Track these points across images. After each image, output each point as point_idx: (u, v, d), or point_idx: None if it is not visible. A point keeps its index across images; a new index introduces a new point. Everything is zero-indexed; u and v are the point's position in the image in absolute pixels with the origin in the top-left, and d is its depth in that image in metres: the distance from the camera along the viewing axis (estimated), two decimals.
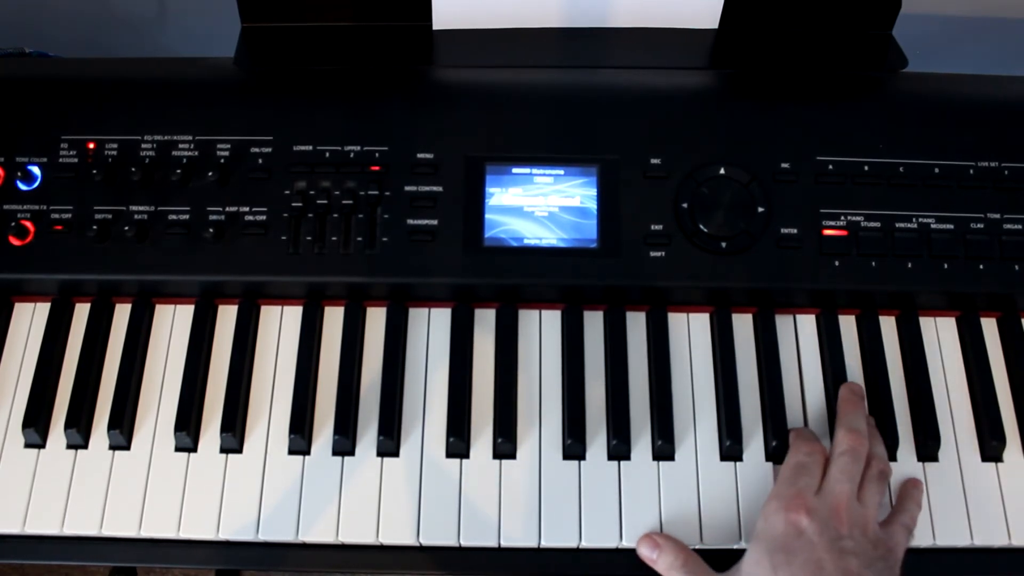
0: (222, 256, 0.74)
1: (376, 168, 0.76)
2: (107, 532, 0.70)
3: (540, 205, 0.76)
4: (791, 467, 0.68)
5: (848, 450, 0.68)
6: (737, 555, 0.68)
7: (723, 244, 0.74)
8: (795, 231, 0.75)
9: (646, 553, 0.68)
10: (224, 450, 0.72)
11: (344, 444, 0.71)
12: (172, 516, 0.70)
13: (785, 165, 0.77)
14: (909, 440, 0.73)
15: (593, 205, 0.75)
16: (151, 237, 0.75)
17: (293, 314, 0.77)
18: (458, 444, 0.71)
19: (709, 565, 0.67)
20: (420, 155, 0.76)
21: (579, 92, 0.81)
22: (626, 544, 0.69)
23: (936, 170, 0.77)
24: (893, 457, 0.72)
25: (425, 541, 0.69)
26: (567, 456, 0.72)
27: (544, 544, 0.69)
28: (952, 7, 0.97)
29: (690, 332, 0.77)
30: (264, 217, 0.75)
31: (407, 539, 0.69)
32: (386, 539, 0.69)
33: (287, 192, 0.76)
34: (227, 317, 0.77)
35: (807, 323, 0.77)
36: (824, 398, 0.75)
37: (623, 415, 0.72)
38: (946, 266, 0.75)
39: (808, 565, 0.62)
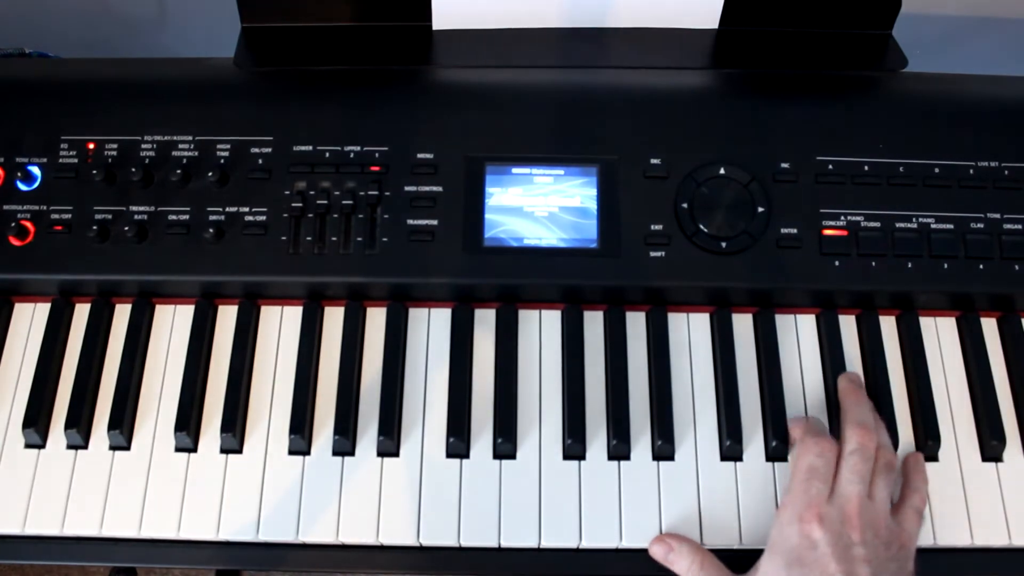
0: (222, 256, 0.74)
1: (376, 168, 0.76)
2: (107, 532, 0.70)
3: (540, 205, 0.76)
4: (803, 471, 0.67)
5: (858, 448, 0.67)
6: (738, 555, 0.68)
7: (723, 244, 0.74)
8: (795, 231, 0.75)
9: (660, 555, 0.68)
10: (224, 450, 0.72)
11: (344, 444, 0.71)
12: (172, 516, 0.70)
13: (785, 165, 0.77)
14: (909, 440, 0.73)
15: (593, 205, 0.75)
16: (151, 237, 0.75)
17: (293, 314, 0.77)
18: (458, 444, 0.71)
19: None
20: (420, 155, 0.76)
21: (579, 92, 0.81)
22: (626, 544, 0.69)
23: (936, 170, 0.77)
24: None
25: (425, 541, 0.69)
26: (567, 456, 0.72)
27: (544, 544, 0.69)
28: (952, 7, 0.97)
29: (690, 332, 0.77)
30: (264, 217, 0.75)
31: (407, 539, 0.69)
32: (386, 539, 0.69)
33: (287, 192, 0.76)
34: (227, 317, 0.77)
35: (807, 323, 0.77)
36: (824, 398, 0.75)
37: (623, 415, 0.72)
38: (946, 266, 0.75)
39: None
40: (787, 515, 0.66)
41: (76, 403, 0.73)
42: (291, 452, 0.72)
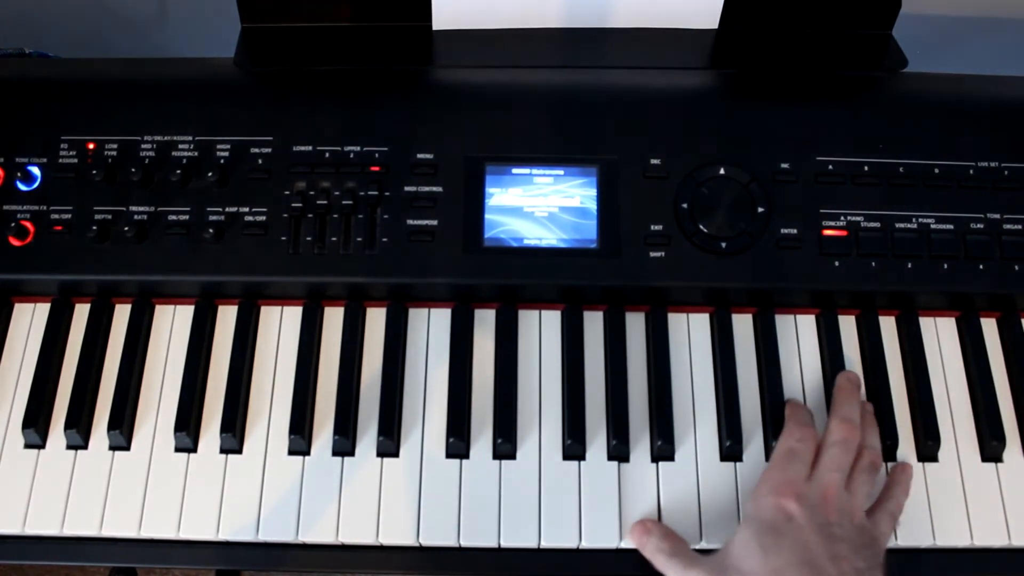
0: (222, 256, 0.74)
1: (376, 168, 0.76)
2: (107, 532, 0.70)
3: (540, 205, 0.76)
4: (783, 453, 0.68)
5: (840, 440, 0.68)
6: None
7: (723, 244, 0.74)
8: (795, 231, 0.75)
9: (636, 538, 0.69)
10: (224, 450, 0.72)
11: (344, 444, 0.71)
12: (172, 516, 0.70)
13: (785, 165, 0.77)
14: (909, 440, 0.73)
15: (593, 205, 0.75)
16: (151, 237, 0.75)
17: (293, 314, 0.77)
18: (458, 444, 0.71)
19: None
20: (420, 155, 0.76)
21: (579, 92, 0.81)
22: (626, 544, 0.69)
23: (936, 170, 0.77)
24: (892, 457, 0.72)
25: (425, 541, 0.69)
26: (567, 456, 0.72)
27: (544, 544, 0.69)
28: (952, 7, 0.97)
29: (690, 332, 0.77)
30: (264, 217, 0.75)
31: (407, 539, 0.69)
32: (386, 539, 0.69)
33: (287, 192, 0.76)
34: (227, 317, 0.77)
35: (807, 323, 0.77)
36: (824, 398, 0.75)
37: (623, 415, 0.72)
38: (946, 266, 0.75)
39: (796, 548, 0.62)
40: (763, 489, 0.66)
41: (76, 403, 0.73)
42: (291, 452, 0.72)
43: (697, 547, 0.69)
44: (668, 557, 0.66)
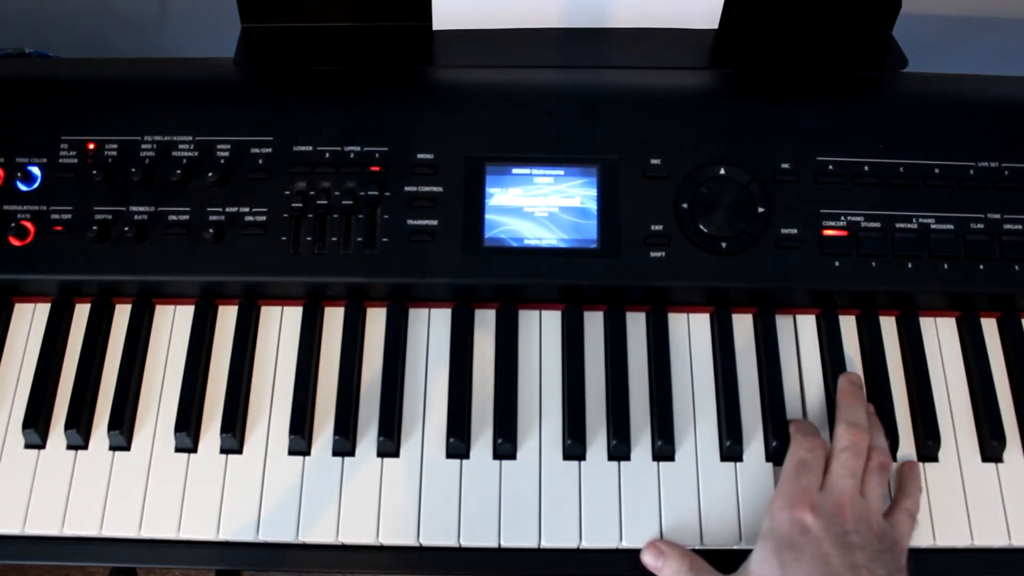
0: (222, 256, 0.74)
1: (376, 168, 0.76)
2: (107, 532, 0.70)
3: (540, 205, 0.76)
4: (793, 464, 0.68)
5: (849, 445, 0.68)
6: (738, 555, 0.68)
7: (723, 244, 0.74)
8: (795, 231, 0.75)
9: (651, 562, 0.68)
10: (224, 451, 0.72)
11: (344, 445, 0.71)
12: (172, 516, 0.70)
13: (785, 165, 0.77)
14: (909, 440, 0.73)
15: (593, 205, 0.75)
16: (151, 237, 0.75)
17: (293, 314, 0.77)
18: (458, 444, 0.71)
19: (713, 567, 0.67)
20: (420, 155, 0.76)
21: (579, 92, 0.81)
22: (626, 545, 0.69)
23: (936, 170, 0.77)
24: (893, 457, 0.72)
25: (425, 541, 0.69)
26: (567, 456, 0.72)
27: (544, 544, 0.69)
28: (952, 7, 0.97)
29: (690, 332, 0.77)
30: (264, 217, 0.75)
31: (407, 539, 0.69)
32: (386, 539, 0.69)
33: (287, 192, 0.76)
34: (227, 317, 0.77)
35: (807, 323, 0.77)
36: (824, 398, 0.75)
37: (623, 415, 0.72)
38: (946, 266, 0.75)
39: (815, 561, 0.62)
40: (778, 504, 0.66)
41: (76, 403, 0.73)
42: (291, 452, 0.72)
43: (697, 548, 0.69)
44: None
